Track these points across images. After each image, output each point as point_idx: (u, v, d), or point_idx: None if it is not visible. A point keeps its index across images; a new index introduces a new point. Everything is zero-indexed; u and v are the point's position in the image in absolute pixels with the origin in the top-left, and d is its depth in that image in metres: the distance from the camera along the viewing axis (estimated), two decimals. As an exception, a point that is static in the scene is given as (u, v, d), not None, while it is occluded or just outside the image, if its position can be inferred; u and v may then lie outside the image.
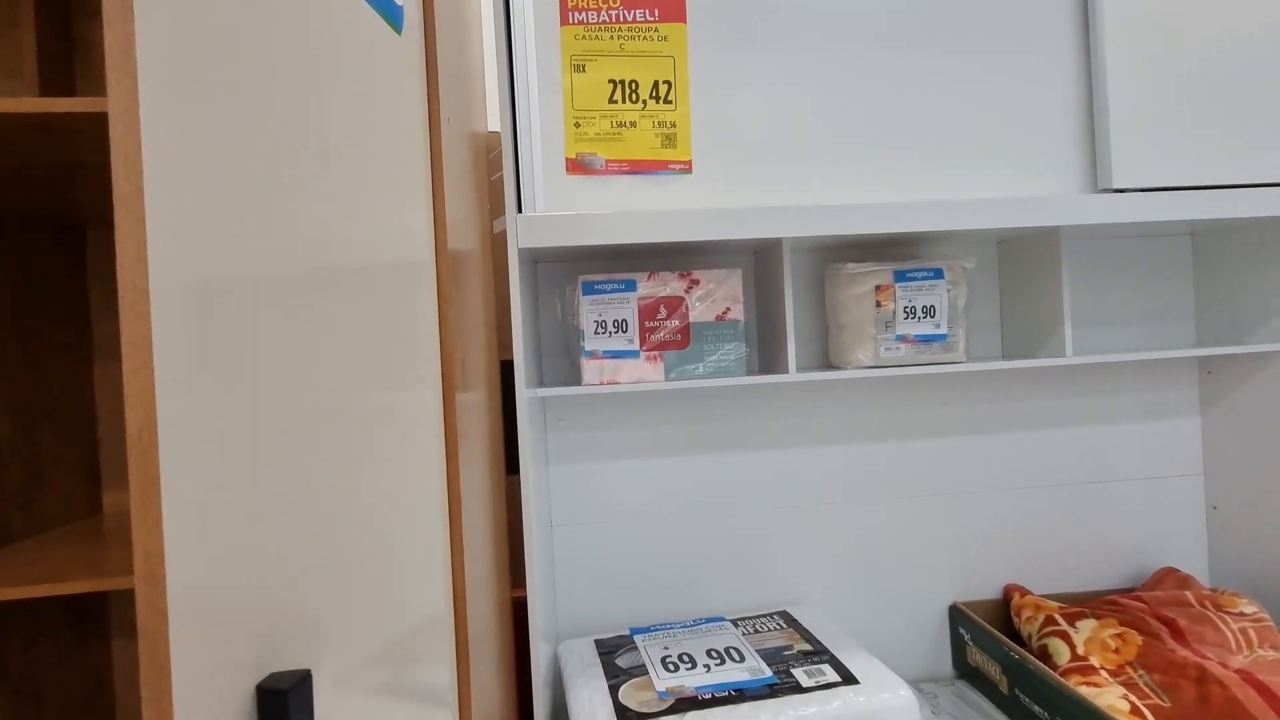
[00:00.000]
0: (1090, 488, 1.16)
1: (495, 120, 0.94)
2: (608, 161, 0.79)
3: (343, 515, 0.47)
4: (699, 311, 0.93)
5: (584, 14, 0.78)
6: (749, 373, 0.96)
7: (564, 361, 1.06)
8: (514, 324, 0.75)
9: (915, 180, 0.86)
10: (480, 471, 0.75)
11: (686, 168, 0.80)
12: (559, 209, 0.78)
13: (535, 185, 0.77)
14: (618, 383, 0.92)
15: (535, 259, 1.01)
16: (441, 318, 0.54)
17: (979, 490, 1.14)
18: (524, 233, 0.75)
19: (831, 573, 1.12)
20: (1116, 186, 0.83)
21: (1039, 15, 0.86)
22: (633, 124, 0.79)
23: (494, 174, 0.90)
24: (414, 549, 0.55)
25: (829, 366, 1.07)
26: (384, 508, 0.51)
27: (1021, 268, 1.09)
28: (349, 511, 0.48)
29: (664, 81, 0.79)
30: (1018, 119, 0.87)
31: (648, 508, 1.09)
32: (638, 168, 0.79)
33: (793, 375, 0.94)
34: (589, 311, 0.91)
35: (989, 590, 1.15)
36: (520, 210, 0.78)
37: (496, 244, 1.02)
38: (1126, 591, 1.13)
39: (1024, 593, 1.11)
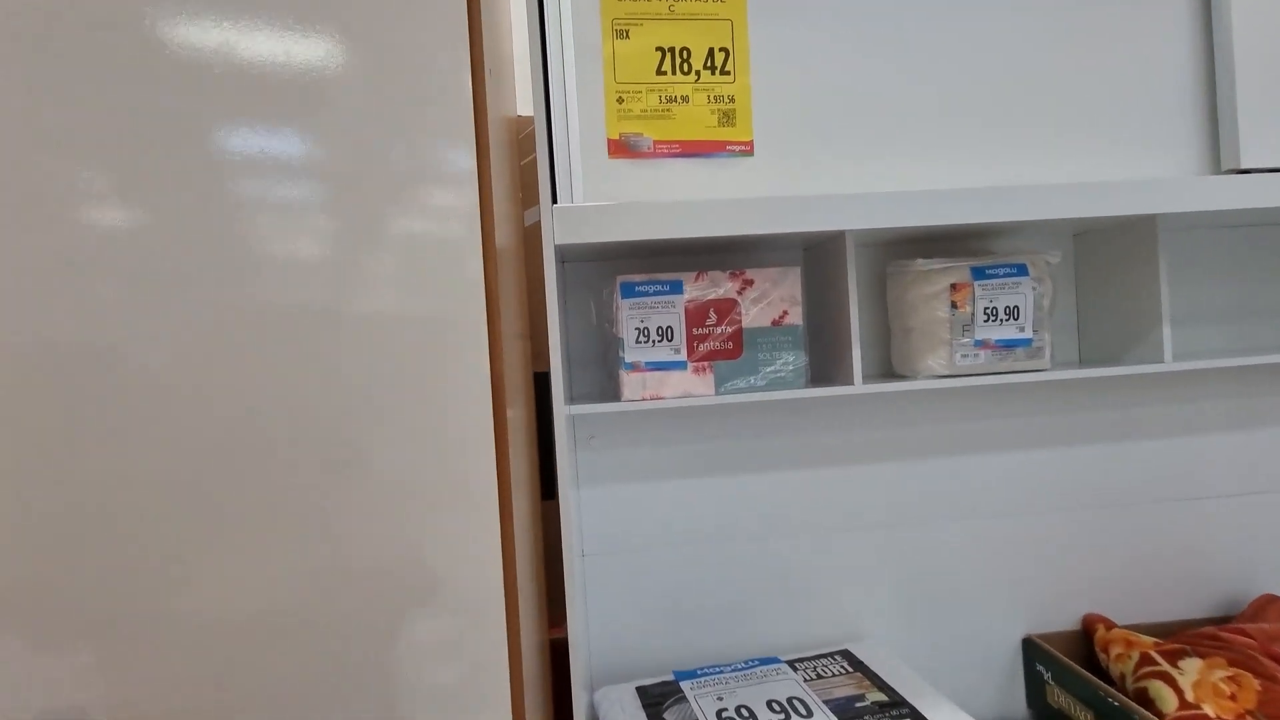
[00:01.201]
0: (1178, 505, 1.04)
1: (524, 104, 0.82)
2: (656, 143, 0.67)
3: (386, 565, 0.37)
4: (753, 316, 0.82)
5: (627, -29, 0.67)
6: (808, 384, 0.84)
7: (595, 373, 0.95)
8: (550, 332, 0.64)
9: (1002, 161, 0.75)
10: (525, 497, 0.64)
11: (748, 149, 0.69)
12: (600, 198, 0.67)
13: (573, 171, 0.66)
14: (662, 398, 0.81)
15: (563, 257, 0.90)
16: (491, 316, 0.43)
17: (1053, 509, 1.03)
18: (561, 226, 0.63)
19: (892, 603, 1.01)
20: (1244, 167, 0.72)
21: (1149, -30, 0.75)
22: (685, 99, 0.68)
23: (525, 158, 0.79)
24: (471, 588, 0.45)
25: (891, 374, 0.95)
26: (438, 546, 0.41)
27: (1105, 262, 0.97)
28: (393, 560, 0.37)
29: (720, 49, 0.68)
30: (1122, 88, 0.76)
31: (690, 533, 0.98)
32: (691, 149, 0.68)
33: (859, 387, 0.83)
34: (630, 317, 0.80)
35: (1065, 621, 1.04)
36: (555, 200, 0.67)
37: (527, 240, 0.91)
38: (1223, 622, 1.01)
39: (1109, 625, 1.00)
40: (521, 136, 0.80)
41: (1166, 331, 0.87)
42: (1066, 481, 1.03)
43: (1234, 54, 0.72)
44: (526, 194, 0.87)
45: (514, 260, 0.62)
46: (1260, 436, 1.05)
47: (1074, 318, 1.04)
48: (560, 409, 0.67)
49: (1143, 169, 0.76)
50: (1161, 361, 0.87)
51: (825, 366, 0.93)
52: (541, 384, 0.98)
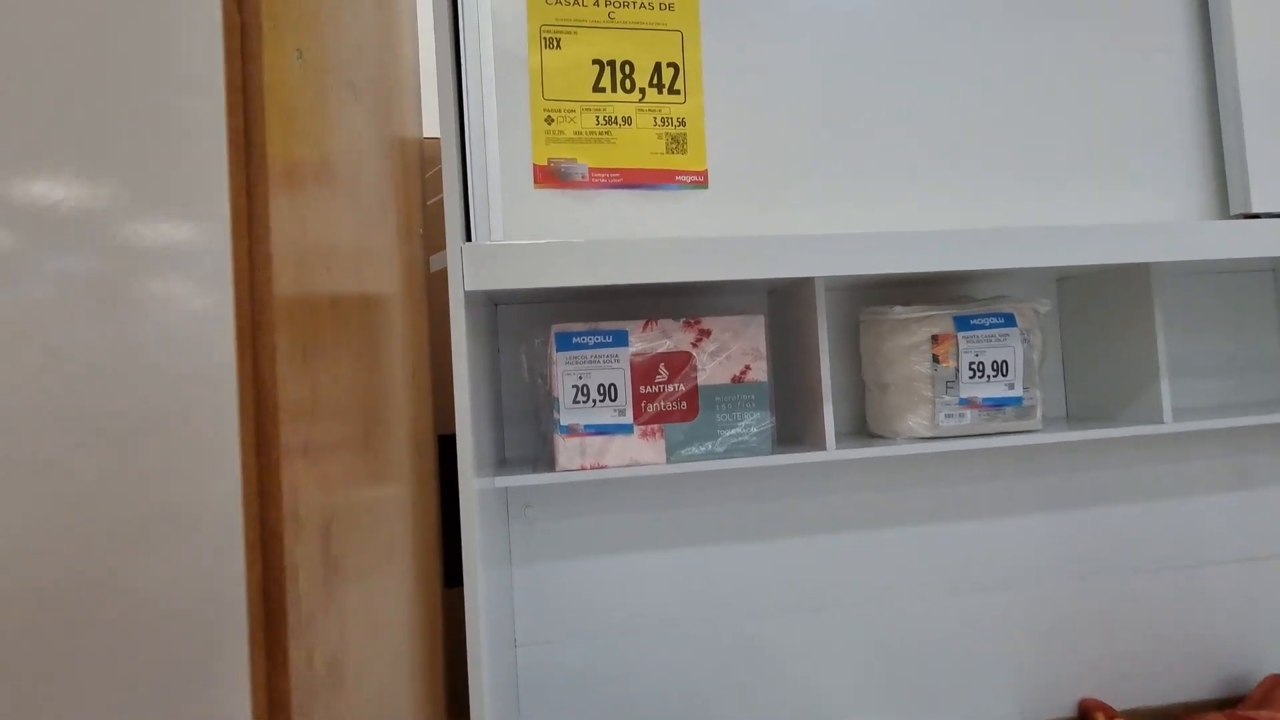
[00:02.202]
0: (1177, 574, 0.95)
1: (434, 123, 0.71)
2: (592, 171, 0.57)
3: None
4: (711, 371, 0.71)
5: (559, -30, 0.57)
6: (774, 448, 0.73)
7: (534, 431, 0.83)
8: (458, 391, 0.52)
9: (988, 200, 0.66)
10: (400, 590, 0.50)
11: (701, 180, 0.58)
12: (522, 235, 0.56)
13: (490, 202, 0.55)
14: (604, 467, 0.69)
15: (494, 300, 0.78)
16: (261, 382, 0.29)
17: (1044, 580, 0.93)
18: (472, 269, 0.52)
19: (872, 689, 0.89)
20: (1255, 211, 0.64)
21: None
22: (627, 120, 0.57)
23: (433, 197, 0.67)
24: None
25: (866, 433, 0.85)
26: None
27: (1093, 308, 0.89)
28: None
29: (669, 65, 0.58)
30: (1118, 123, 0.68)
31: (644, 615, 0.85)
32: (634, 180, 0.57)
33: (832, 453, 0.72)
34: (566, 373, 0.68)
35: (1061, 705, 0.93)
36: (469, 237, 0.55)
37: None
38: (1229, 705, 0.92)
39: (1110, 713, 0.89)
40: (430, 175, 0.68)
41: (1165, 388, 0.79)
42: (1057, 549, 0.93)
43: (1239, 88, 0.64)
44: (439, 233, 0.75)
45: (406, 308, 0.49)
46: (1260, 498, 0.97)
47: (1059, 366, 0.96)
48: (470, 481, 0.54)
49: (1143, 212, 0.68)
50: (1160, 422, 0.79)
51: (793, 425, 0.82)
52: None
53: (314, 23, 0.31)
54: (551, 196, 0.56)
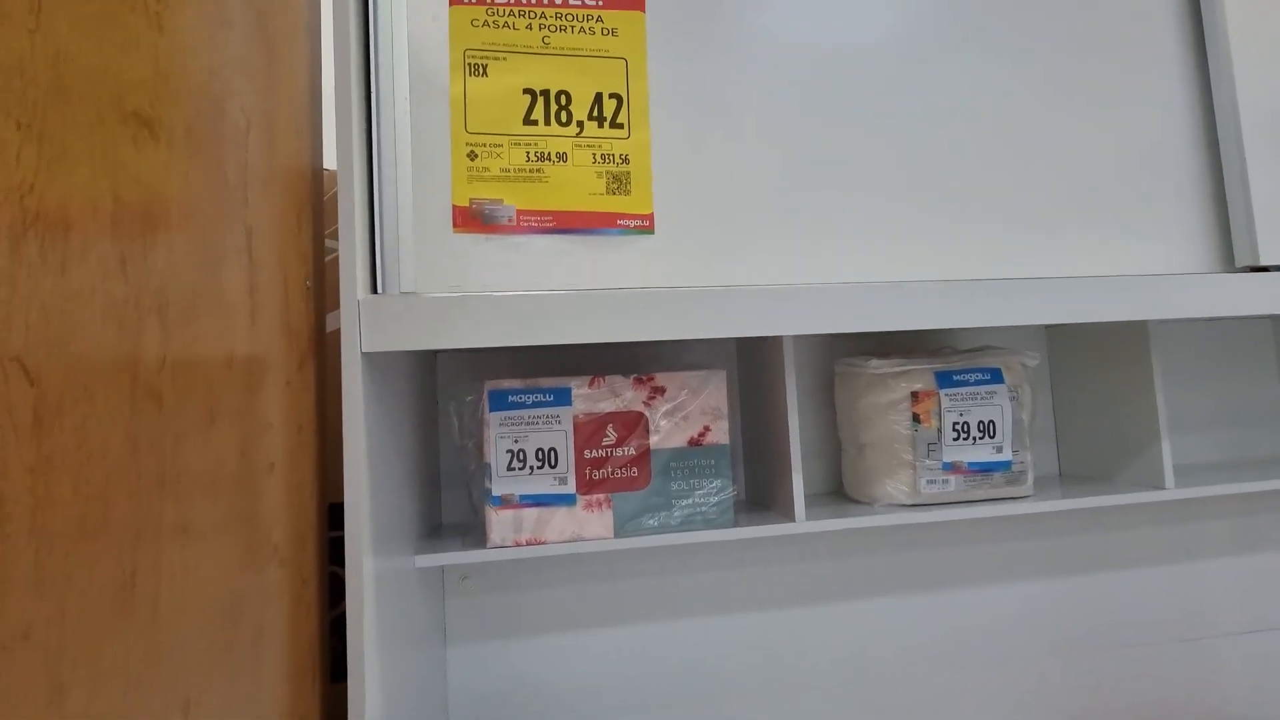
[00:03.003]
0: (1182, 646, 0.88)
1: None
2: (521, 213, 0.50)
3: None
4: (666, 433, 0.63)
5: (487, -11, 0.50)
6: (736, 519, 0.66)
7: (469, 496, 0.74)
8: (349, 463, 0.44)
9: (972, 248, 0.59)
10: (266, 690, 0.41)
11: (646, 225, 0.51)
12: (439, 286, 0.48)
13: (400, 248, 0.47)
14: (543, 542, 0.61)
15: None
16: None
17: (1039, 654, 0.85)
18: (372, 327, 0.44)
19: (850, 782, 0.80)
20: (1264, 264, 0.58)
21: (1136, 17, 0.63)
22: (562, 157, 0.50)
23: (329, 227, 0.59)
24: None
25: (841, 493, 0.78)
26: None
27: (1086, 360, 0.83)
28: None
29: (611, 95, 0.51)
30: (1111, 165, 0.62)
31: (598, 698, 0.76)
32: (570, 223, 0.50)
33: (801, 524, 0.64)
34: (500, 436, 0.60)
35: (1058, 794, 0.84)
36: (378, 287, 0.48)
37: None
38: (1242, 796, 0.84)
39: (1113, 807, 0.81)
40: (328, 195, 0.61)
41: (1166, 450, 0.72)
42: (1050, 619, 0.85)
43: (1241, 129, 0.59)
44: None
45: (285, 367, 0.41)
46: (1269, 562, 0.90)
47: (1050, 418, 0.89)
48: (362, 562, 0.46)
49: (1140, 263, 0.61)
50: (1162, 487, 0.72)
51: (761, 483, 0.75)
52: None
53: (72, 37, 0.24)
54: (473, 243, 0.49)
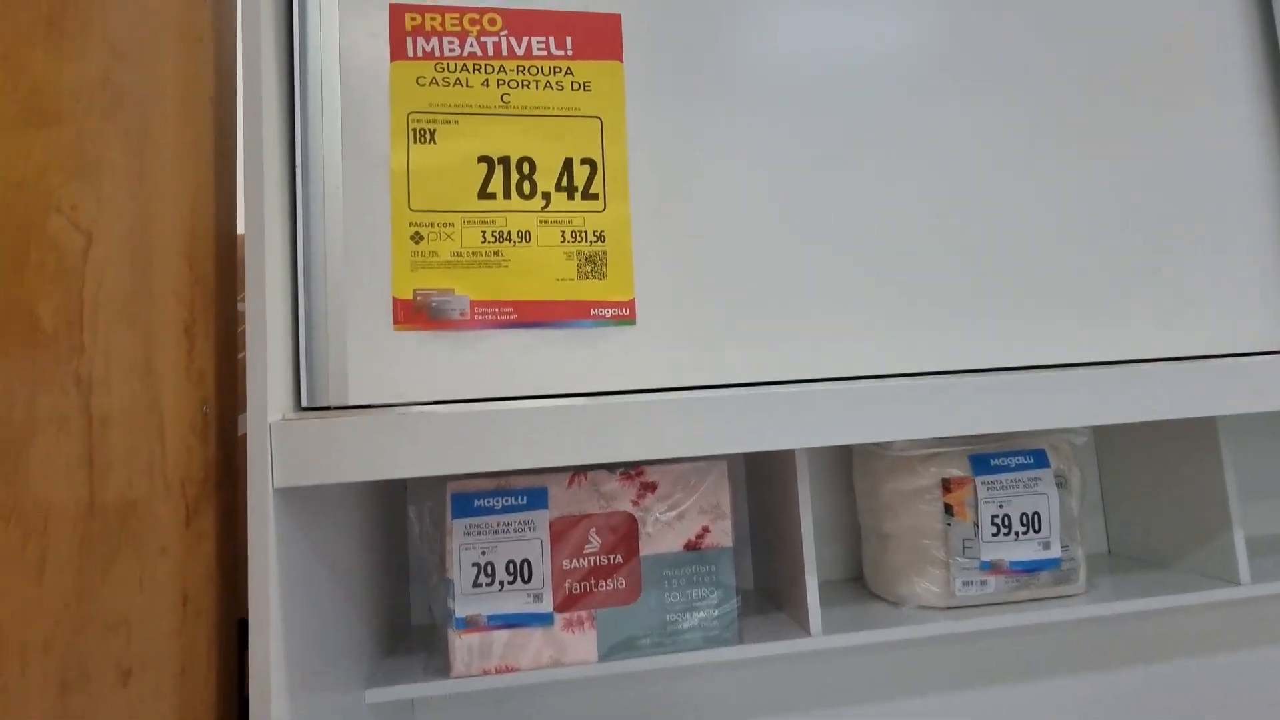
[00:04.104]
0: (1252, 749, 0.77)
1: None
2: (476, 305, 0.42)
3: None
4: (657, 537, 0.55)
5: (435, 40, 0.43)
6: (740, 633, 0.57)
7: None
8: (253, 653, 0.36)
9: (1005, 330, 0.50)
10: None
11: (625, 314, 0.43)
12: (374, 393, 0.40)
13: (328, 349, 0.40)
14: (517, 670, 0.52)
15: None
16: None
17: (1089, 757, 0.75)
18: (285, 455, 0.36)
19: None
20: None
21: (1205, 58, 0.54)
22: (524, 236, 0.42)
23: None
24: None
25: (862, 585, 0.68)
26: None
27: (1141, 437, 0.73)
28: None
29: (583, 161, 0.43)
30: (1169, 227, 0.53)
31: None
32: (534, 316, 0.42)
33: (818, 639, 0.56)
34: (464, 547, 0.52)
35: None
36: (303, 399, 0.40)
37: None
38: None
39: None
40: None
41: (1239, 542, 0.62)
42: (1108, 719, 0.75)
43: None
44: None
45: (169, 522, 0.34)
46: (1351, 655, 0.79)
47: (1096, 486, 0.79)
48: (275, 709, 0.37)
49: (1204, 342, 0.52)
50: (1236, 583, 0.62)
51: (767, 577, 0.66)
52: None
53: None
54: (418, 342, 0.41)
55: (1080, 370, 0.47)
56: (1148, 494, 0.73)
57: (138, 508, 0.29)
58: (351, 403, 0.40)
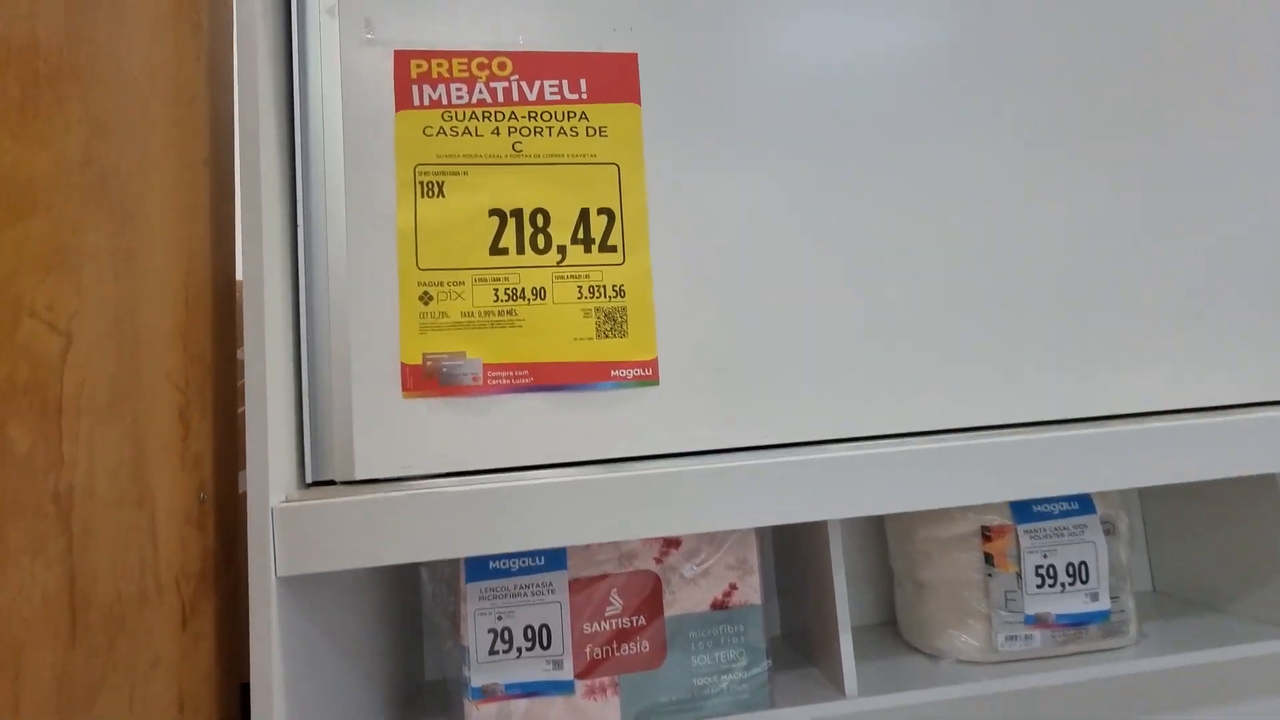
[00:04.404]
0: (1311, 798, 0.73)
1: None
2: (489, 368, 0.39)
3: None
4: (682, 596, 0.52)
5: (443, 87, 0.40)
6: (772, 696, 0.54)
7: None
8: (258, 711, 0.33)
9: (1056, 381, 0.47)
10: None
11: (648, 374, 0.41)
12: (382, 466, 0.38)
13: (333, 421, 0.37)
14: (536, 740, 0.50)
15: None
16: None
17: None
18: (289, 542, 0.34)
19: None
20: None
21: (1257, 86, 0.51)
22: (539, 293, 0.40)
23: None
24: None
25: (896, 634, 0.65)
26: None
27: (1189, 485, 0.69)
28: None
29: (601, 211, 0.41)
30: (1220, 265, 0.50)
31: None
32: (551, 378, 0.40)
33: (854, 702, 0.53)
34: (480, 613, 0.49)
35: None
36: (307, 474, 0.37)
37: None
38: None
39: None
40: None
41: (1302, 587, 0.59)
42: (1152, 768, 0.71)
43: None
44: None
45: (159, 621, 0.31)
46: None
47: (1139, 522, 0.75)
48: None
49: (1258, 390, 0.49)
50: (1298, 632, 0.58)
51: (795, 621, 0.63)
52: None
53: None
54: (428, 409, 0.38)
55: (1134, 425, 0.44)
56: (1195, 530, 0.69)
57: (126, 624, 0.27)
58: (359, 477, 0.38)
